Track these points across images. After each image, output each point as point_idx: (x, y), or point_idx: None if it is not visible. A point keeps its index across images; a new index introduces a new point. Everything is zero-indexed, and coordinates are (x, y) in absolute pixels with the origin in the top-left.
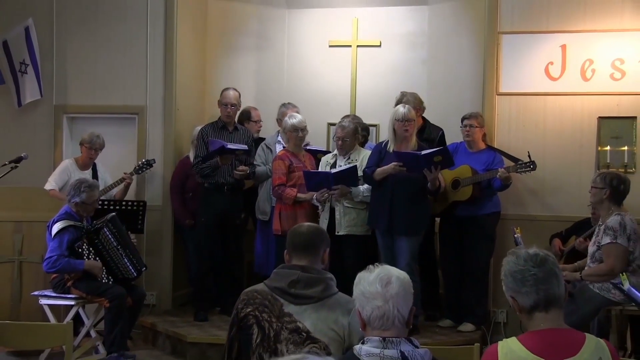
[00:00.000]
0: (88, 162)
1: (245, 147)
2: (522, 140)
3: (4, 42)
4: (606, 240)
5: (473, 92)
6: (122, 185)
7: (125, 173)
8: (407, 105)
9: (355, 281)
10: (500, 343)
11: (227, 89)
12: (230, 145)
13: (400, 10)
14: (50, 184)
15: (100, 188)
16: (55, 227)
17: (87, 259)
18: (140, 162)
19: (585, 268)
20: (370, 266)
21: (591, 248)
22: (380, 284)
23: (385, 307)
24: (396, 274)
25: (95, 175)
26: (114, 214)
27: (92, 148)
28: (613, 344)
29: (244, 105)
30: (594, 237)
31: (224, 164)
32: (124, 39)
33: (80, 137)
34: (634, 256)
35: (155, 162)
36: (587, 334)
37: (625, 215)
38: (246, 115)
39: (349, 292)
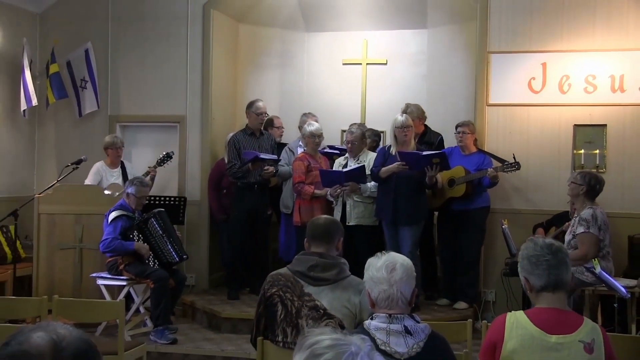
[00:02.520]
0: (116, 161)
1: (274, 157)
2: (508, 145)
3: (68, 62)
4: (580, 230)
5: (466, 103)
6: (148, 177)
7: (149, 167)
8: (404, 114)
9: (365, 266)
10: (508, 314)
11: (257, 100)
12: (263, 156)
13: (404, 33)
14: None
15: None
16: (111, 216)
17: (138, 242)
18: (161, 155)
19: None
20: (379, 254)
21: (567, 236)
22: (386, 270)
23: (390, 290)
24: (400, 261)
25: (124, 171)
26: (162, 209)
27: (115, 148)
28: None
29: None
30: (570, 227)
31: (255, 169)
32: (167, 59)
33: (131, 142)
34: (604, 244)
35: (174, 154)
36: (585, 318)
37: (596, 209)
38: (270, 123)
39: (360, 275)
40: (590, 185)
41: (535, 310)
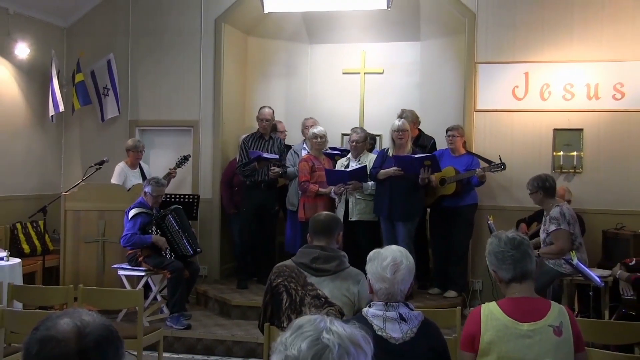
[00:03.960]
0: (135, 163)
1: (277, 156)
2: (494, 147)
3: (92, 72)
4: (552, 227)
5: (456, 109)
6: (168, 178)
7: (170, 168)
8: (401, 119)
9: (370, 257)
10: (482, 306)
11: (263, 107)
12: (266, 155)
13: (399, 45)
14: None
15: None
16: (131, 212)
17: (155, 236)
18: (179, 158)
19: (541, 248)
20: (386, 248)
21: (542, 234)
22: (391, 271)
23: (391, 289)
24: (405, 263)
25: (142, 172)
26: (179, 206)
27: (137, 151)
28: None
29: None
30: (542, 225)
31: (260, 168)
32: (182, 68)
33: (149, 144)
34: (574, 236)
35: (190, 157)
36: (552, 302)
37: (562, 206)
38: (274, 128)
39: (362, 265)
40: (543, 188)
41: (506, 301)
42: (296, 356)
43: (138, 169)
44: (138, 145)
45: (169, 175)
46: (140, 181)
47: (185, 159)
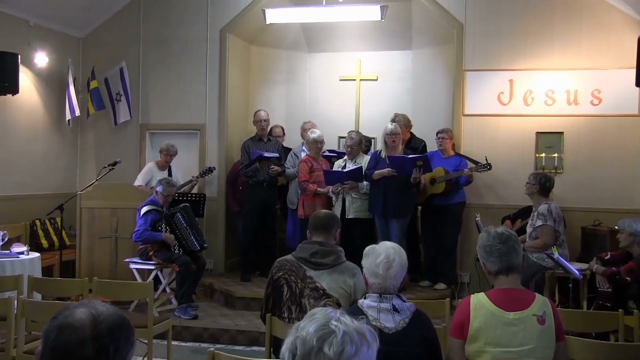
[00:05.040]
0: (165, 165)
1: (277, 154)
2: (481, 149)
3: (105, 79)
4: (539, 222)
5: (445, 114)
6: (190, 185)
7: (193, 176)
8: (394, 123)
9: (366, 252)
10: (472, 296)
11: (258, 110)
12: (266, 154)
13: (392, 53)
14: (138, 181)
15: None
16: (143, 210)
17: (165, 233)
18: (205, 169)
19: (526, 242)
20: (381, 245)
21: (529, 229)
22: (384, 269)
23: (384, 284)
24: (398, 260)
25: (170, 174)
26: (187, 204)
27: (168, 154)
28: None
29: (273, 123)
30: (530, 220)
31: (262, 167)
32: (189, 76)
33: (158, 146)
34: (558, 233)
35: (215, 169)
36: (537, 294)
37: (551, 204)
38: (270, 132)
39: (358, 259)
40: (541, 184)
41: (494, 292)
42: (304, 337)
43: (166, 171)
44: (170, 149)
45: (190, 182)
46: None
47: (209, 170)
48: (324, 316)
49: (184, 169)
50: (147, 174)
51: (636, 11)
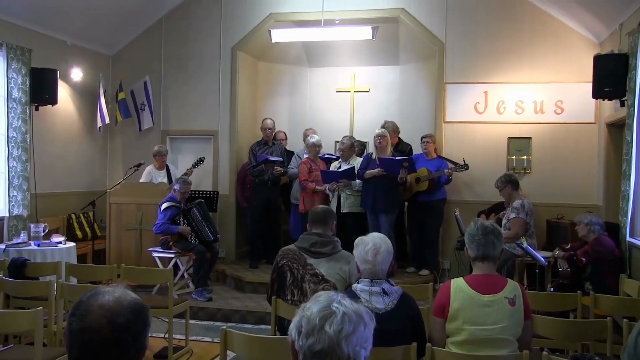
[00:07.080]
0: (162, 165)
1: (280, 158)
2: (460, 151)
3: (131, 91)
4: (512, 215)
5: (429, 121)
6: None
7: (187, 168)
8: (382, 129)
9: (356, 242)
10: (452, 280)
11: (265, 119)
12: (271, 158)
13: (382, 68)
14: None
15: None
16: (163, 206)
17: (181, 226)
18: (195, 161)
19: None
20: (369, 235)
21: (504, 221)
22: (372, 255)
23: (373, 269)
24: (384, 247)
25: (168, 173)
26: (202, 200)
27: (160, 155)
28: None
29: (277, 129)
30: (505, 213)
31: (267, 168)
32: (204, 88)
33: (178, 150)
34: (529, 225)
35: (205, 159)
36: (509, 279)
37: (524, 199)
38: (274, 137)
39: (350, 249)
40: (510, 182)
41: (471, 277)
42: (309, 316)
43: (164, 170)
44: (161, 150)
45: (185, 175)
46: (166, 180)
47: (200, 160)
48: (327, 299)
49: (201, 168)
50: (148, 176)
51: (592, 34)
